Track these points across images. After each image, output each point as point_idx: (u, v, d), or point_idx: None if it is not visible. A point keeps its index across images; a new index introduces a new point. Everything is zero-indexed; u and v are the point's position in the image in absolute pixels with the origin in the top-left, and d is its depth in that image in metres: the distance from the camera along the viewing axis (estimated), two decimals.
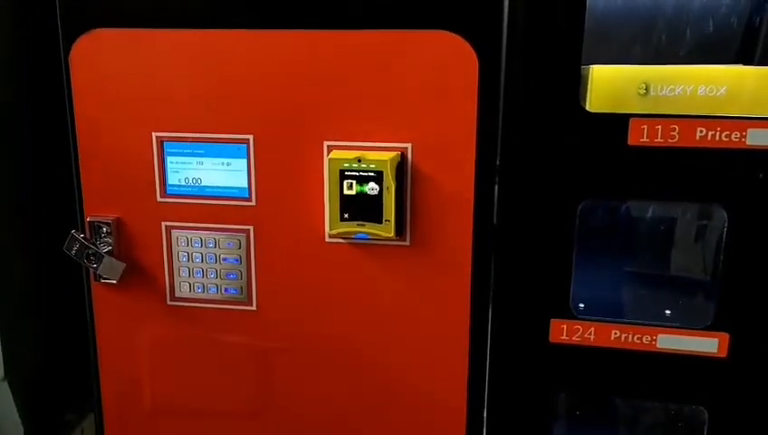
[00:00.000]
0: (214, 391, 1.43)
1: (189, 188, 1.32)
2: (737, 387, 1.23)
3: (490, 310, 1.30)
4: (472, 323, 1.29)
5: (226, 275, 1.35)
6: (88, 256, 1.33)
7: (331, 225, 1.24)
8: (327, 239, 1.29)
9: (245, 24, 1.23)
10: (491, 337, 1.31)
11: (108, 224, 1.35)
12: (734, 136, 1.12)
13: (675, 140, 1.14)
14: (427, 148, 1.23)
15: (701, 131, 1.13)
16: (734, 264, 1.19)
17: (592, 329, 1.26)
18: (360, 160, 1.20)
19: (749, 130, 1.12)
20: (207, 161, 1.30)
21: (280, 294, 1.35)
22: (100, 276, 1.37)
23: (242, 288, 1.35)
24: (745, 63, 1.40)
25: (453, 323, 1.30)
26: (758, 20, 1.43)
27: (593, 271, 1.40)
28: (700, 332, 1.21)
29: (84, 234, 1.35)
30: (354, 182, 1.20)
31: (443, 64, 1.19)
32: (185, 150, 1.30)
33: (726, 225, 1.17)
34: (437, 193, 1.24)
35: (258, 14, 1.23)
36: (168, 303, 1.39)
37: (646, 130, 1.15)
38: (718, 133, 1.13)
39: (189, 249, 1.35)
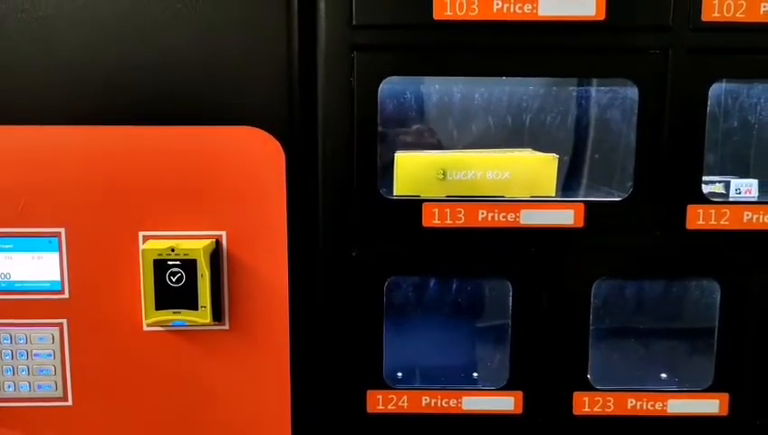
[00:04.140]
0: None
1: None
2: None
3: (312, 385, 1.36)
4: (293, 400, 1.33)
5: (39, 371, 1.31)
6: None
7: (147, 314, 1.25)
8: (145, 328, 1.29)
9: (55, 120, 1.25)
10: (314, 412, 1.36)
11: None
12: (510, 216, 1.28)
13: (461, 221, 1.28)
14: (242, 235, 1.29)
15: (482, 213, 1.28)
16: (517, 331, 1.33)
17: (405, 397, 1.34)
18: (173, 250, 1.23)
19: (522, 211, 1.29)
20: (17, 256, 1.28)
21: (98, 388, 1.32)
22: None
23: (56, 383, 1.31)
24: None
25: (275, 401, 1.33)
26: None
27: (409, 341, 1.51)
28: (498, 392, 1.34)
29: None
30: (169, 271, 1.23)
31: (252, 157, 1.26)
32: None
33: (511, 295, 1.32)
34: (254, 277, 1.30)
35: (71, 109, 1.25)
36: None
37: (437, 213, 1.28)
38: (497, 214, 1.28)
39: None
